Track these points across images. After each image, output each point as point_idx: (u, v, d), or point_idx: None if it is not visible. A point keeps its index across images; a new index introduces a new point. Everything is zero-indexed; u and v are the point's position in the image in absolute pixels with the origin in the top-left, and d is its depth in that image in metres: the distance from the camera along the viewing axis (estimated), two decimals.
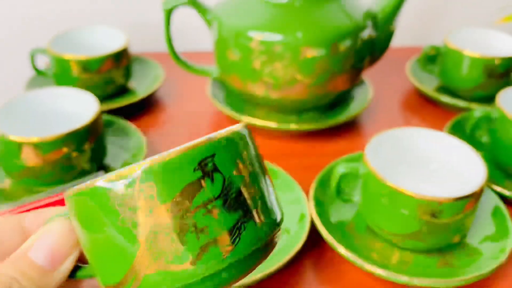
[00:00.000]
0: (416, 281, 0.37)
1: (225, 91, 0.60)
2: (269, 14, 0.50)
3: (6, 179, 0.47)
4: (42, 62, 0.72)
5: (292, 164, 0.52)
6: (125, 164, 0.50)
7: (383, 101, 0.64)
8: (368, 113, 0.62)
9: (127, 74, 0.61)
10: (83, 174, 0.46)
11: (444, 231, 0.38)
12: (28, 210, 0.31)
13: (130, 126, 0.54)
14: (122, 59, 0.59)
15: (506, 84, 0.59)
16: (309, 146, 0.56)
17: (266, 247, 0.20)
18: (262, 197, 0.20)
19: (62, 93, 0.50)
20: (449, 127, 0.54)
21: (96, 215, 0.19)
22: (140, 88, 0.63)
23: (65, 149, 0.43)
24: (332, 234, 0.40)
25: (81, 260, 0.22)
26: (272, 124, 0.53)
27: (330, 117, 0.56)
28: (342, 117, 0.56)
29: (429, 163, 0.45)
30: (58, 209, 0.24)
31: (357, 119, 0.60)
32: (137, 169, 0.18)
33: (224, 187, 0.19)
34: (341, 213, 0.44)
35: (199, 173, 0.18)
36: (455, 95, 0.62)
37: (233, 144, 0.20)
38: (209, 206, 0.18)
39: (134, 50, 0.74)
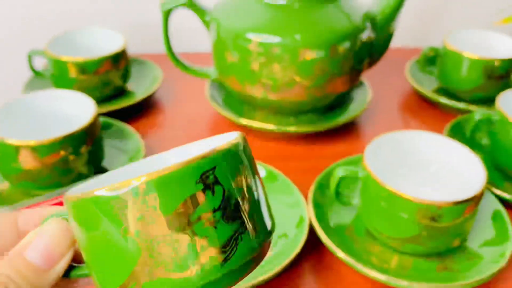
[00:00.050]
0: (415, 285, 0.36)
1: (224, 93, 0.60)
2: (267, 15, 0.50)
3: (4, 183, 0.47)
4: (40, 63, 0.72)
5: (290, 166, 0.51)
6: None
7: (382, 102, 0.64)
8: (367, 115, 0.62)
9: (125, 76, 0.61)
10: (80, 177, 0.46)
11: (443, 235, 0.38)
12: None
13: (128, 128, 0.54)
14: (120, 61, 0.59)
15: (505, 86, 0.59)
16: (308, 148, 0.55)
17: (259, 255, 0.21)
18: (258, 208, 0.21)
19: (60, 96, 0.49)
20: (448, 129, 0.54)
21: (98, 222, 0.19)
22: (138, 90, 0.63)
23: (62, 152, 0.43)
24: (331, 237, 0.40)
25: (75, 260, 0.23)
26: (270, 126, 0.53)
27: (329, 119, 0.56)
28: (341, 119, 0.55)
29: (429, 166, 0.44)
30: (53, 208, 0.25)
31: (356, 121, 0.60)
32: (141, 179, 0.19)
33: (224, 199, 0.19)
34: (340, 216, 0.44)
35: (200, 186, 0.19)
36: (454, 97, 0.62)
37: (232, 156, 0.20)
38: (209, 218, 0.19)
39: (132, 51, 0.74)
